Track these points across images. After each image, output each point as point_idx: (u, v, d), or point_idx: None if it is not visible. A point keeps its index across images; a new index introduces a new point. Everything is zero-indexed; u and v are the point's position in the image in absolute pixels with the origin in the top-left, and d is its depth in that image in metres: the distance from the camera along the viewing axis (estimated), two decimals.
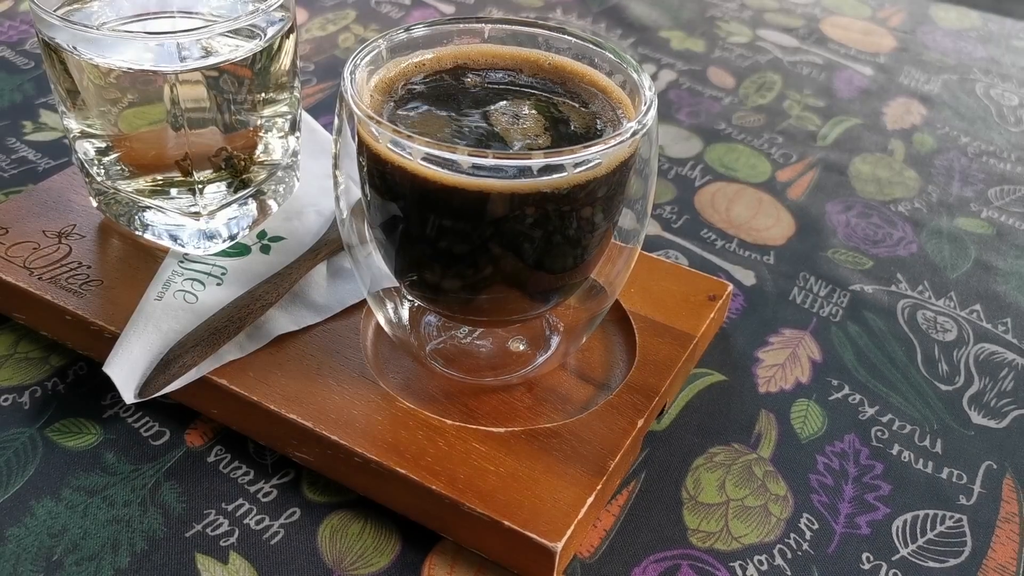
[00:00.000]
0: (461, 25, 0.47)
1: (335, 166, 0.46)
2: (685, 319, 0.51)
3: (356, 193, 0.45)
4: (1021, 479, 0.47)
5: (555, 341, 0.49)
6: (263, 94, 0.50)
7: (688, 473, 0.46)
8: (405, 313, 0.50)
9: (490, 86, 0.45)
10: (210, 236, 0.52)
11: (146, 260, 0.52)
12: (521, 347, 0.49)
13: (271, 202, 0.55)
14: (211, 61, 0.47)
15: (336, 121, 0.44)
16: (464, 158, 0.38)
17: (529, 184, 0.39)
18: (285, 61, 0.51)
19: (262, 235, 0.54)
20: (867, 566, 0.42)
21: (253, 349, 0.47)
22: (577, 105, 0.44)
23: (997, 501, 0.46)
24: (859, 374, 0.52)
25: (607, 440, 0.44)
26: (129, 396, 0.44)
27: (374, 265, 0.47)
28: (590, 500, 0.41)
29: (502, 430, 0.44)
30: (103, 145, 0.50)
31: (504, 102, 0.44)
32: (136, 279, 0.51)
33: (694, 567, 0.42)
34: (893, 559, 0.43)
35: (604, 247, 0.45)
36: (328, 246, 0.52)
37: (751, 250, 0.61)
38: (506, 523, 0.40)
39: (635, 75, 0.44)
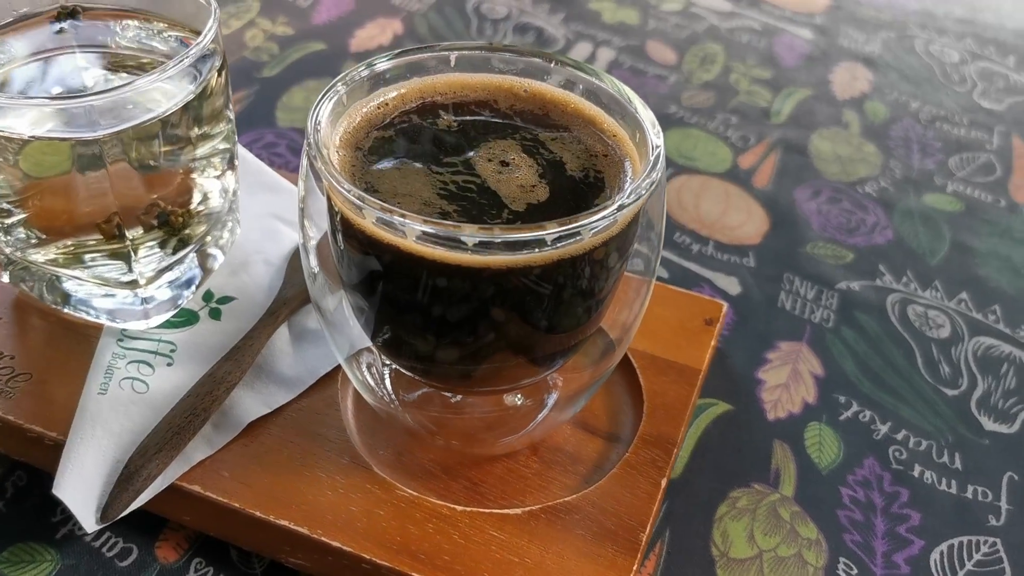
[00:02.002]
0: (426, 54, 0.42)
1: (302, 214, 0.40)
2: (686, 350, 0.47)
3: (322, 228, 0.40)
4: None
5: (554, 395, 0.45)
6: (196, 129, 0.44)
7: (714, 525, 0.43)
8: (387, 379, 0.45)
9: (466, 124, 0.40)
10: (149, 307, 0.46)
11: (78, 341, 0.45)
12: (518, 401, 0.45)
13: (215, 252, 0.48)
14: (136, 122, 0.40)
15: (304, 160, 0.39)
16: (469, 236, 0.33)
17: (541, 257, 0.34)
18: (219, 91, 0.44)
19: (208, 297, 0.48)
20: None
21: (224, 443, 0.41)
22: (567, 142, 0.40)
23: None
24: (864, 386, 0.50)
25: (632, 507, 0.40)
26: (90, 523, 0.38)
27: (348, 326, 0.42)
28: None
29: (519, 511, 0.40)
30: (3, 207, 0.43)
31: (486, 145, 0.39)
32: (69, 367, 0.44)
33: None
34: None
35: (615, 292, 0.40)
36: (288, 306, 0.47)
37: (729, 252, 0.58)
38: None
39: (632, 108, 0.39)
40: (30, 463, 0.43)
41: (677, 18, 0.82)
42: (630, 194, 0.35)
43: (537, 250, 0.34)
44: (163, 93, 0.41)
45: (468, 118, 0.40)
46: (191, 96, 0.42)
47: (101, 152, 0.39)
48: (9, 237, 0.44)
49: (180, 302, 0.47)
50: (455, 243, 0.33)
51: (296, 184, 0.55)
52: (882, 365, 0.51)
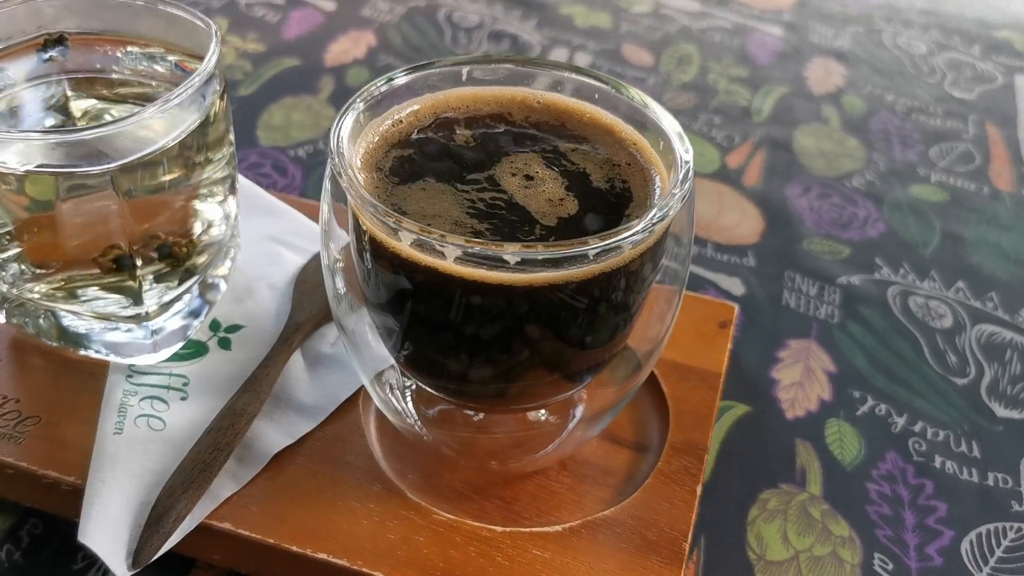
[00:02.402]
0: (435, 69, 0.41)
1: (326, 236, 0.40)
2: (703, 354, 0.47)
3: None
4: None
5: (580, 408, 0.44)
6: (201, 156, 0.42)
7: (747, 528, 0.43)
8: (409, 400, 0.44)
9: (483, 138, 0.39)
10: (157, 339, 0.44)
11: (85, 380, 0.44)
12: (542, 417, 0.45)
13: (217, 280, 0.47)
14: (143, 152, 0.39)
15: (327, 183, 0.38)
16: (511, 255, 0.32)
17: (583, 272, 0.34)
18: (221, 116, 0.43)
19: (215, 326, 0.47)
20: None
21: (249, 477, 0.40)
22: (588, 152, 0.39)
23: None
24: (877, 380, 0.50)
25: (671, 516, 0.40)
26: (122, 569, 0.36)
27: (371, 347, 0.41)
28: None
29: (558, 528, 0.39)
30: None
31: (507, 159, 0.38)
32: (79, 407, 0.42)
33: None
34: None
35: (644, 302, 0.40)
36: (300, 331, 0.46)
37: (728, 253, 0.58)
38: None
39: (653, 116, 0.39)
40: (44, 510, 0.41)
41: (648, 20, 0.82)
42: (665, 205, 0.34)
43: (579, 265, 0.33)
44: (168, 121, 0.40)
45: (485, 132, 0.40)
46: (196, 123, 0.40)
47: (109, 184, 0.38)
48: (4, 273, 0.43)
49: (188, 333, 0.45)
50: (497, 262, 0.32)
51: (290, 205, 0.54)
52: (891, 358, 0.52)
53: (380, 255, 0.35)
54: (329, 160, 0.36)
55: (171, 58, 0.45)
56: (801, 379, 0.50)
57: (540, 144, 0.39)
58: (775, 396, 0.49)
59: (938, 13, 0.86)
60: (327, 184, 0.38)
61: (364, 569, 0.37)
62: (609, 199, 0.37)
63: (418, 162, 0.38)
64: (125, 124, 0.37)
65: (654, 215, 0.34)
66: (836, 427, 0.48)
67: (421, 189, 0.37)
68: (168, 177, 0.41)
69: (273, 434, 0.42)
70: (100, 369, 0.44)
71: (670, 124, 0.38)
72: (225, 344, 0.46)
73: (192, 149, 0.41)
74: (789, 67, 0.77)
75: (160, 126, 0.39)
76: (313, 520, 0.39)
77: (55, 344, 0.44)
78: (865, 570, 0.42)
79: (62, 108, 0.44)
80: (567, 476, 0.43)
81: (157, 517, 0.37)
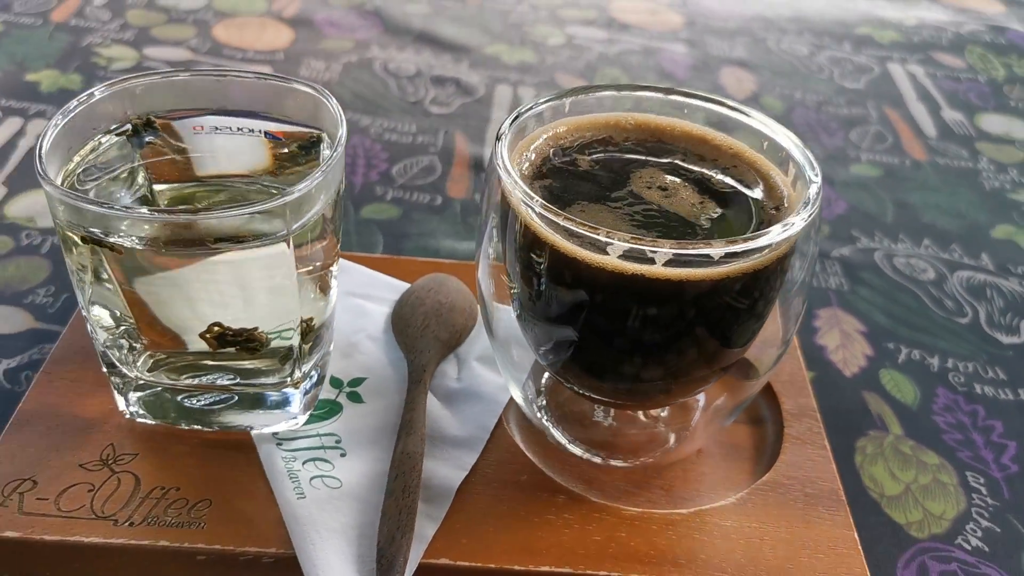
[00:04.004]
0: (543, 105, 0.44)
1: (484, 271, 0.43)
2: None
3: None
4: None
5: (702, 399, 0.49)
6: (333, 225, 0.43)
7: (860, 473, 0.49)
8: (549, 413, 0.47)
9: (603, 161, 0.43)
10: (299, 406, 0.44)
11: (232, 455, 0.43)
12: (663, 414, 0.48)
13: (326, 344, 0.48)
14: (310, 214, 0.39)
15: (491, 232, 0.41)
16: (716, 251, 0.36)
17: (766, 259, 0.38)
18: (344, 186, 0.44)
19: (337, 383, 0.47)
20: None
21: (443, 514, 0.41)
22: (695, 160, 0.44)
23: None
24: (901, 331, 0.58)
25: (817, 472, 0.45)
26: None
27: (519, 366, 0.45)
28: (856, 535, 0.42)
29: (732, 499, 0.43)
30: (127, 320, 0.41)
31: (634, 175, 0.42)
32: (241, 482, 0.42)
33: (936, 558, 0.45)
34: None
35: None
36: (427, 371, 0.47)
37: None
38: None
39: (750, 122, 0.44)
40: None
41: (567, 51, 0.88)
42: (811, 197, 0.39)
43: (761, 254, 0.38)
44: (313, 192, 0.40)
45: (601, 156, 0.43)
46: (331, 201, 0.41)
47: (287, 251, 0.39)
48: (121, 353, 0.42)
49: (319, 395, 0.46)
50: (704, 259, 0.36)
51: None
52: (903, 311, 0.59)
53: (566, 270, 0.38)
54: (518, 194, 0.38)
55: (258, 128, 0.45)
56: (842, 342, 0.57)
57: (653, 159, 0.43)
58: (829, 359, 0.55)
59: (803, 19, 0.97)
60: (490, 231, 0.41)
61: (588, 571, 0.40)
62: (739, 197, 0.42)
63: (560, 187, 0.41)
64: (296, 194, 0.38)
65: (808, 204, 0.39)
66: (889, 376, 0.54)
67: (581, 211, 0.40)
68: (315, 248, 0.41)
69: (445, 470, 0.43)
70: (241, 442, 0.44)
71: (776, 127, 0.43)
72: (355, 397, 0.46)
73: (328, 220, 0.42)
74: (705, 78, 0.85)
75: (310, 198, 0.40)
76: (522, 539, 0.41)
77: (186, 426, 0.44)
78: (964, 488, 0.48)
79: (146, 193, 0.44)
80: (706, 458, 0.47)
81: (388, 564, 0.38)
